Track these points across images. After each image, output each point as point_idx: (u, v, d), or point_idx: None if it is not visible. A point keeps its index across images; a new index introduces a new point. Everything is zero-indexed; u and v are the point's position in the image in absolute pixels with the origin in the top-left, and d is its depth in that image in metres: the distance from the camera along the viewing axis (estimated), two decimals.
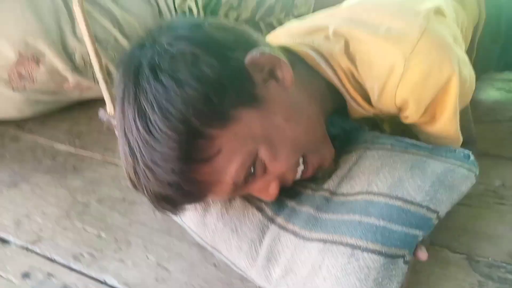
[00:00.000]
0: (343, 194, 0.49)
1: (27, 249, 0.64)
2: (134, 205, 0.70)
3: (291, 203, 0.52)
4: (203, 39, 0.44)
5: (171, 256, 0.59)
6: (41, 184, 0.79)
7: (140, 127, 0.41)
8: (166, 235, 0.63)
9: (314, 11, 1.17)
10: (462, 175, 0.48)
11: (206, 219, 0.54)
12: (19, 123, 1.01)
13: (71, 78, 0.99)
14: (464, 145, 0.58)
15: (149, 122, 0.41)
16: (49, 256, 0.62)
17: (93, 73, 0.95)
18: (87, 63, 0.99)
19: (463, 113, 0.54)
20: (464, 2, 0.70)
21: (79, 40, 0.97)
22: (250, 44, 0.46)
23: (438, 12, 0.53)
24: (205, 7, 1.09)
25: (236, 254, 0.51)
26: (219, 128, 0.42)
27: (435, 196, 0.45)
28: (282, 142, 0.46)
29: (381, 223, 0.43)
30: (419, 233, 0.44)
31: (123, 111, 0.44)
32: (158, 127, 0.40)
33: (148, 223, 0.66)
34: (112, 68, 1.00)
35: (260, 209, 0.53)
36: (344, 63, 0.52)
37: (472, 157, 0.50)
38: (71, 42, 0.96)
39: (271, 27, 1.17)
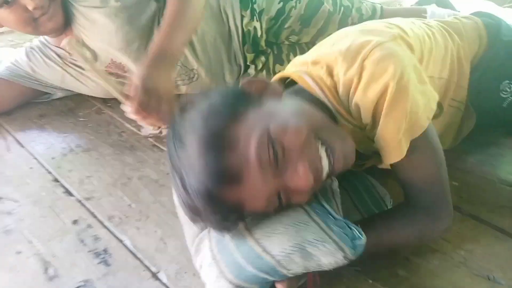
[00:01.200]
0: (247, 229, 0.58)
1: (81, 202, 0.88)
2: (162, 188, 0.90)
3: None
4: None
5: (172, 234, 0.78)
6: (105, 154, 1.03)
7: (181, 153, 0.53)
8: (175, 217, 0.81)
9: None
10: (328, 250, 0.54)
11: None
12: (104, 98, 1.28)
13: None
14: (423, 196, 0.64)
15: (184, 143, 0.53)
16: (93, 211, 0.85)
17: None
18: None
19: (420, 146, 0.60)
20: (461, 35, 0.81)
21: None
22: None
23: (402, 39, 0.63)
24: (268, 30, 1.22)
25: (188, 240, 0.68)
26: (234, 123, 0.52)
27: (288, 256, 0.55)
28: (285, 116, 0.54)
29: (241, 261, 0.56)
30: (269, 278, 0.56)
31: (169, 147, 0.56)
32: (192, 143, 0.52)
33: (166, 205, 0.85)
34: (179, 82, 1.20)
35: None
36: (329, 82, 0.62)
37: (358, 242, 0.55)
38: None
39: None
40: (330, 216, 0.58)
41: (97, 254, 0.75)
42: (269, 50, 1.25)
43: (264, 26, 1.20)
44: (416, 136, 0.59)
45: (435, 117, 0.74)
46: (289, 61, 1.24)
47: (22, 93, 1.23)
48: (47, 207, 0.87)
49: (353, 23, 1.20)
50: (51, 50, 1.21)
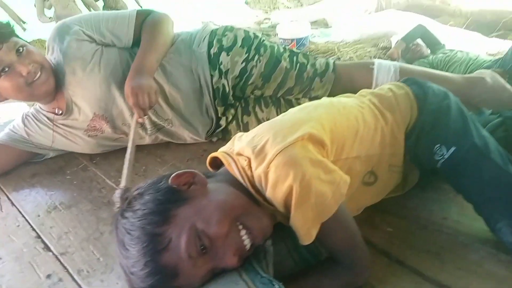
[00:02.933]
0: None
1: (56, 257, 0.98)
2: None
3: None
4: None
5: None
6: (84, 210, 1.14)
7: (123, 252, 0.67)
8: None
9: (331, 94, 1.33)
10: None
11: None
12: (91, 156, 1.41)
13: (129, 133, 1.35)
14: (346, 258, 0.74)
15: (126, 247, 0.66)
16: (66, 266, 0.95)
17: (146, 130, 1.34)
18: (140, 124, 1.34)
19: (332, 224, 0.70)
20: (394, 110, 0.90)
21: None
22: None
23: (310, 138, 0.72)
24: (234, 86, 1.35)
25: None
26: (165, 225, 0.64)
27: None
28: (210, 211, 0.67)
29: None
30: None
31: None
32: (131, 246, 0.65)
33: None
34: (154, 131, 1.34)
35: None
36: (249, 173, 0.73)
37: None
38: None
39: (289, 103, 1.38)
40: (257, 274, 0.69)
41: None
42: (237, 104, 1.38)
43: (230, 83, 1.33)
44: (326, 219, 0.69)
45: (370, 184, 0.87)
46: (255, 112, 1.38)
47: (18, 155, 1.38)
48: (26, 263, 0.97)
49: (308, 77, 1.32)
50: (43, 114, 1.36)
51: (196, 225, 0.65)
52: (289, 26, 3.57)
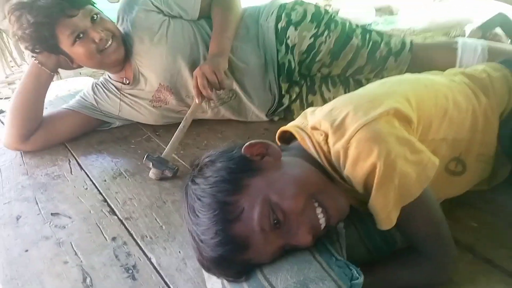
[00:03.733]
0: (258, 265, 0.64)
1: (121, 221, 1.00)
2: None
3: None
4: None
5: (193, 256, 0.85)
6: (147, 179, 1.15)
7: (193, 219, 0.63)
8: None
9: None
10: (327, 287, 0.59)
11: None
12: (155, 127, 1.43)
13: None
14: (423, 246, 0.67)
15: (196, 213, 0.62)
16: (130, 230, 0.96)
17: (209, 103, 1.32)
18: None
19: (415, 209, 0.64)
20: (488, 92, 0.81)
21: None
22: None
23: (396, 113, 0.65)
24: (300, 62, 1.29)
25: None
26: (238, 194, 0.61)
27: None
28: (284, 185, 0.62)
29: None
30: None
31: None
32: (201, 212, 0.61)
33: None
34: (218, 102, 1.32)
35: None
36: (326, 148, 0.68)
37: (356, 282, 0.59)
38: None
39: (359, 84, 1.30)
40: (332, 256, 0.64)
41: (127, 269, 0.85)
42: (302, 81, 1.33)
43: (296, 59, 1.28)
44: (408, 203, 0.63)
45: (457, 174, 0.79)
46: (321, 92, 1.32)
47: (87, 122, 1.42)
48: (93, 224, 1.00)
49: (381, 57, 1.23)
50: (111, 84, 1.39)
51: (270, 197, 0.61)
52: (351, 11, 3.43)
